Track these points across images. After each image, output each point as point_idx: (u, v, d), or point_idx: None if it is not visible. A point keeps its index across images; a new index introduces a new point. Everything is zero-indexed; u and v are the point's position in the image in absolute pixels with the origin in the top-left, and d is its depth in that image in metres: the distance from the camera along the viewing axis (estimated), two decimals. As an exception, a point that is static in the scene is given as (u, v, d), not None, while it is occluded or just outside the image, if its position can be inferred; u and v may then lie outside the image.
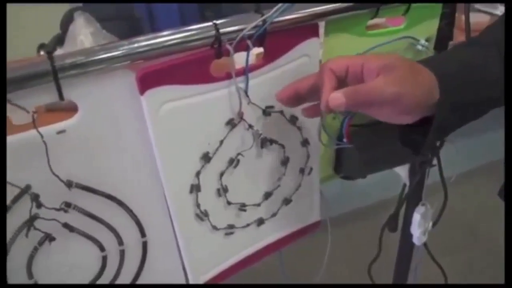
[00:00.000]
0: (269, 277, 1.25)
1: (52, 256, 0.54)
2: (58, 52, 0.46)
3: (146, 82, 0.50)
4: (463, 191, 1.84)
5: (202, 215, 0.61)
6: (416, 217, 0.89)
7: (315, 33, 0.60)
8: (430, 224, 0.91)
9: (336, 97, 0.47)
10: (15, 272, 0.53)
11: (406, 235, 0.94)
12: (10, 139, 0.46)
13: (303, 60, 0.60)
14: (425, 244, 0.95)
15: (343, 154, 0.72)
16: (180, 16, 1.92)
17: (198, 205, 0.60)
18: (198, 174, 0.58)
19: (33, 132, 0.47)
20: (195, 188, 0.59)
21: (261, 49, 0.57)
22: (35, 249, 0.53)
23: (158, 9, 1.88)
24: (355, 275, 1.13)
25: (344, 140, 0.66)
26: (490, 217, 1.26)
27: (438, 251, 0.95)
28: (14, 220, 0.50)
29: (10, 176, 0.47)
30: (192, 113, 0.54)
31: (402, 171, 0.88)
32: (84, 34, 1.31)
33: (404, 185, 0.90)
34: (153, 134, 0.53)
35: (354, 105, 0.48)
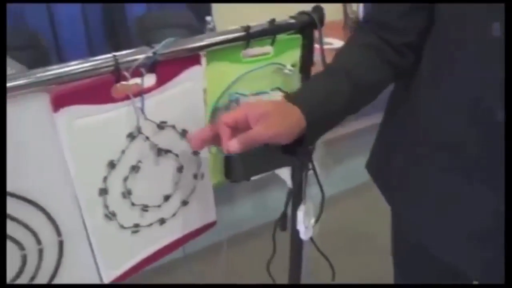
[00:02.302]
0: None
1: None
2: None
3: (58, 103, 0.62)
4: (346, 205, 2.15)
5: (111, 215, 0.73)
6: (300, 214, 1.04)
7: (198, 62, 0.74)
8: (313, 220, 1.07)
9: (232, 145, 0.63)
10: None
11: (295, 232, 1.09)
12: None
13: (188, 84, 0.75)
14: (311, 239, 1.11)
15: (230, 162, 0.87)
16: (87, 44, 2.04)
17: (106, 207, 0.72)
18: (105, 179, 0.70)
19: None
20: (103, 192, 0.70)
21: (153, 76, 0.70)
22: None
23: (63, 37, 1.98)
24: (257, 274, 1.28)
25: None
26: (377, 222, 1.52)
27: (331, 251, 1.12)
28: None
29: None
30: (98, 128, 0.67)
31: (286, 176, 1.04)
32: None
33: (290, 189, 1.07)
34: (65, 145, 0.64)
35: (246, 147, 0.64)
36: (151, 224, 0.80)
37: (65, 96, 0.62)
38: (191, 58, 0.73)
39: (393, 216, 0.97)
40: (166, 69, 0.71)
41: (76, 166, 0.66)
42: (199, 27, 2.02)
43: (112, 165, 0.70)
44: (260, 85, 0.86)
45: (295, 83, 0.91)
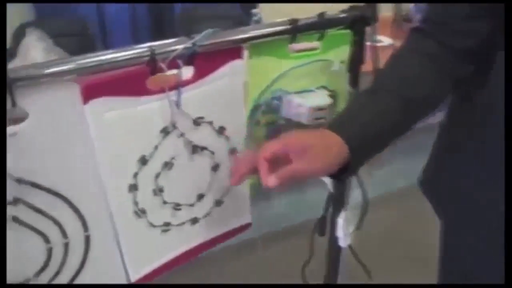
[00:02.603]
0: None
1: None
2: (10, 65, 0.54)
3: (88, 93, 0.58)
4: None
5: (140, 213, 0.70)
6: (340, 221, 0.99)
7: (240, 55, 0.70)
8: (352, 228, 1.01)
9: (271, 181, 0.60)
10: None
11: (333, 238, 1.04)
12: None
13: (229, 78, 0.70)
14: (350, 246, 1.05)
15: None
16: (133, 33, 2.05)
17: (136, 203, 0.69)
18: (135, 175, 0.67)
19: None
20: (133, 188, 0.67)
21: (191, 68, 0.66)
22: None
23: (111, 26, 1.99)
24: (291, 273, 1.24)
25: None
26: (417, 228, 1.44)
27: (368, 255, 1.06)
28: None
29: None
30: (131, 121, 0.63)
31: (327, 179, 0.98)
32: (36, 49, 1.37)
33: (330, 193, 1.01)
34: (95, 138, 0.61)
35: (285, 183, 0.60)
36: (182, 224, 0.76)
37: (96, 87, 0.59)
38: (232, 51, 0.69)
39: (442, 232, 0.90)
40: (205, 61, 0.67)
41: (106, 160, 0.63)
42: (246, 20, 1.99)
43: (143, 160, 0.66)
44: (305, 82, 0.81)
45: (342, 82, 0.85)
